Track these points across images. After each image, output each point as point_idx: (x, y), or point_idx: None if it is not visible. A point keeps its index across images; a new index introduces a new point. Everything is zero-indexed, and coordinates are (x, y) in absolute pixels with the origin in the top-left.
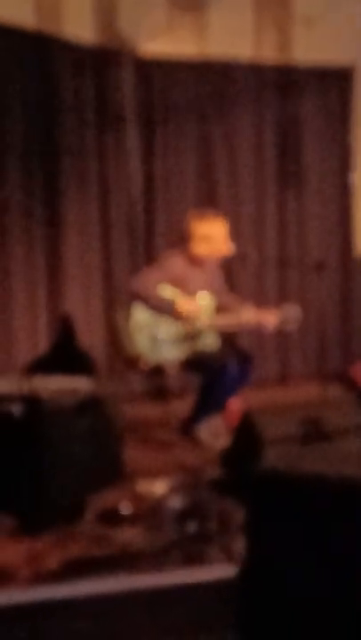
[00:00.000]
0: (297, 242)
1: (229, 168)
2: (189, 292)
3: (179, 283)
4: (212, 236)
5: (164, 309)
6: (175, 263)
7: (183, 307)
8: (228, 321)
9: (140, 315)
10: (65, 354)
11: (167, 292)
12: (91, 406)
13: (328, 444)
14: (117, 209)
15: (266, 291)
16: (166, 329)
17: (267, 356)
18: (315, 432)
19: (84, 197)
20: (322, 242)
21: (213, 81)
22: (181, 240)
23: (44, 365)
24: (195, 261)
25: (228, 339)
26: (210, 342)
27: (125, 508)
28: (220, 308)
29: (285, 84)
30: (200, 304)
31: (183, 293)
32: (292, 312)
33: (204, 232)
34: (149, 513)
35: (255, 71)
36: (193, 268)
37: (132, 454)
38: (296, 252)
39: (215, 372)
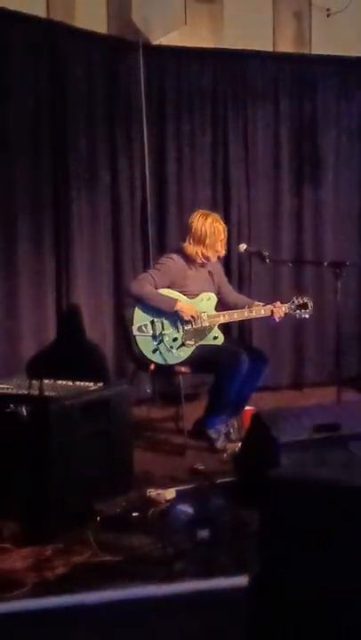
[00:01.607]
0: (313, 240)
1: (245, 162)
2: (191, 293)
3: (178, 284)
4: (208, 238)
5: (166, 306)
6: (173, 265)
7: (184, 310)
8: (233, 317)
9: (144, 316)
10: (74, 353)
11: (170, 294)
12: (99, 408)
13: (345, 450)
14: (128, 205)
15: (280, 291)
16: (171, 329)
17: (281, 359)
18: (331, 437)
19: (95, 193)
20: (339, 239)
21: (229, 71)
22: (181, 242)
23: (51, 364)
24: (192, 261)
25: (240, 335)
26: (217, 339)
27: (135, 514)
28: (224, 307)
29: (304, 75)
30: (201, 305)
31: (186, 293)
32: (302, 301)
33: (201, 233)
34: (159, 519)
35: (273, 61)
36: (192, 267)
37: (142, 458)
38: (312, 251)
39: (227, 367)
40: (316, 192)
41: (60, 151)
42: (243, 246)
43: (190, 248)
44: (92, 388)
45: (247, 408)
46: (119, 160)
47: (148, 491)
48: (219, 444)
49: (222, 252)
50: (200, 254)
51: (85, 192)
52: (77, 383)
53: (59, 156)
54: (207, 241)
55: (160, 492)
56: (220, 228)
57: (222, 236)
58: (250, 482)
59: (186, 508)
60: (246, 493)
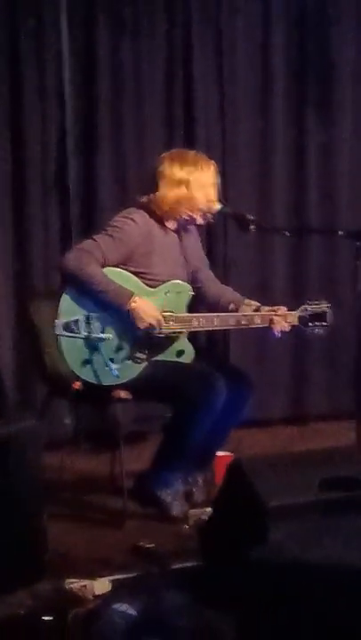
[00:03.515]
0: (322, 198)
1: (218, 79)
2: (153, 279)
3: (137, 262)
4: (193, 175)
5: (116, 299)
6: (134, 231)
7: (139, 311)
8: (213, 323)
9: (75, 308)
10: None
11: (120, 278)
12: None
13: None
14: (36, 148)
15: (272, 276)
16: (115, 332)
17: (273, 382)
18: (347, 498)
19: None
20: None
21: None
22: (145, 195)
23: None
24: (165, 224)
25: (213, 349)
26: (182, 355)
27: (46, 618)
28: (199, 302)
29: None
30: (167, 300)
31: (146, 278)
32: (318, 308)
33: (181, 172)
34: (85, 626)
35: None
36: (163, 236)
37: (59, 531)
38: (321, 214)
39: (194, 399)
40: (327, 126)
41: None
42: (215, 205)
43: (166, 197)
44: None
45: (221, 454)
46: (24, 73)
47: (68, 581)
48: (175, 511)
49: (215, 205)
50: (183, 203)
51: None
52: None
53: None
54: (193, 180)
55: (86, 582)
56: (210, 165)
57: (213, 177)
58: (223, 568)
59: (126, 609)
60: (217, 585)
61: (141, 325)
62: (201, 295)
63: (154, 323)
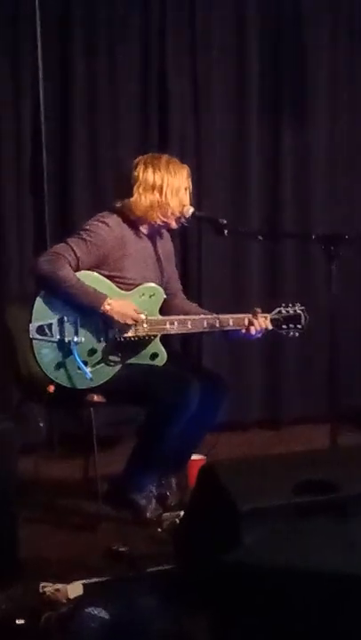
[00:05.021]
0: (296, 202)
1: (192, 79)
2: (126, 282)
3: (110, 266)
4: (167, 181)
5: (90, 302)
6: (108, 235)
7: (116, 310)
8: (186, 326)
9: (48, 312)
10: None
11: (94, 282)
12: None
13: (340, 521)
14: (10, 151)
15: (249, 279)
16: (88, 335)
17: (247, 386)
18: (321, 502)
19: None
20: (335, 201)
21: None
22: (119, 199)
23: None
24: (139, 229)
25: (187, 353)
26: (156, 358)
27: (19, 622)
28: (166, 313)
29: None
30: (141, 302)
31: (119, 281)
32: (293, 311)
33: (155, 177)
34: (58, 629)
35: None
36: (137, 240)
37: (33, 535)
38: (294, 219)
39: (167, 402)
40: (302, 129)
41: None
42: (188, 209)
43: (139, 202)
44: None
45: (195, 458)
46: None
47: (42, 585)
48: (149, 514)
49: (189, 208)
50: (156, 208)
51: None
52: None
53: None
54: (166, 185)
55: (59, 586)
56: (183, 170)
57: (187, 181)
58: (196, 571)
59: (99, 612)
60: (191, 589)
61: (123, 320)
62: (168, 306)
63: (136, 317)
